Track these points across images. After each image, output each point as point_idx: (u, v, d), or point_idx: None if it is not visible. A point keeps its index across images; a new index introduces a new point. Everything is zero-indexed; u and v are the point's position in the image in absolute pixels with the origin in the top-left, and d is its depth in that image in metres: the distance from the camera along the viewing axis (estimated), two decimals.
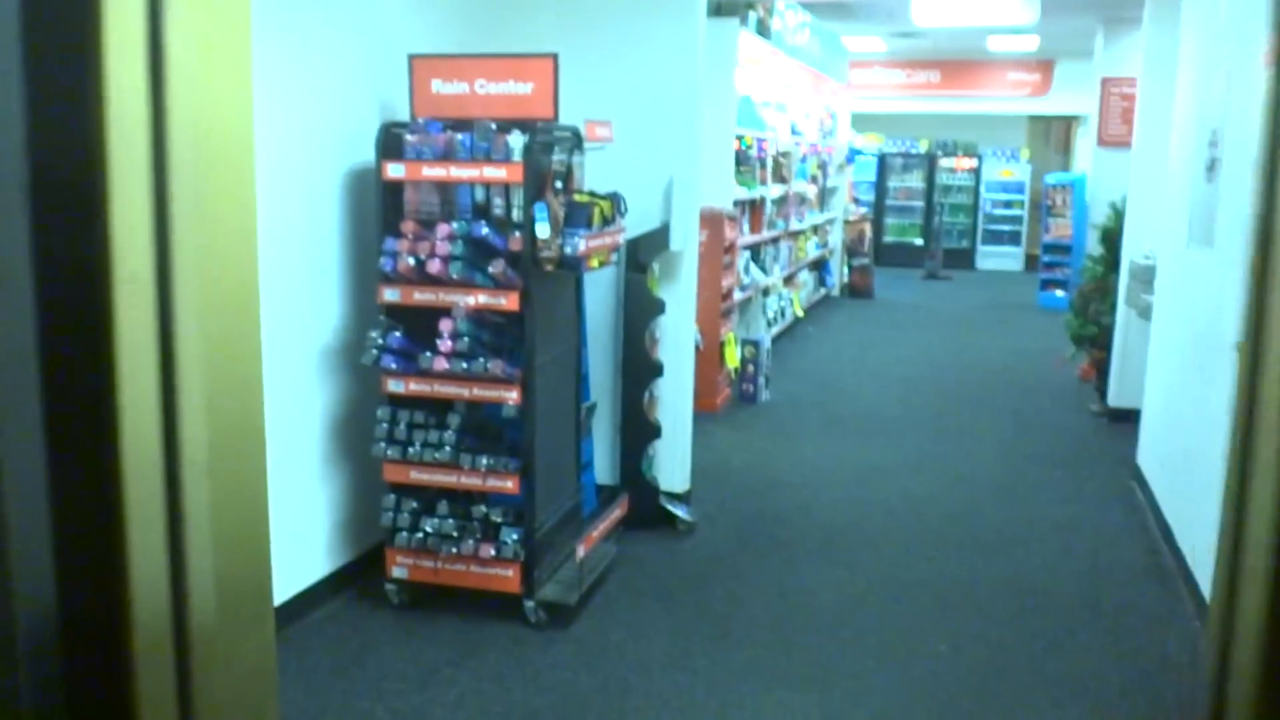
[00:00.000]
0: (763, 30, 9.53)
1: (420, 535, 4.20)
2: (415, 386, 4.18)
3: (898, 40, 14.22)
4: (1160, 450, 5.60)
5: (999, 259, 17.57)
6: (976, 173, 17.78)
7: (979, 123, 17.56)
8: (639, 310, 5.19)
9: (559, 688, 3.73)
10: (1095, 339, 7.81)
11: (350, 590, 4.48)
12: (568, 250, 4.14)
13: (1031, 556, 5.01)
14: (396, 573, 4.28)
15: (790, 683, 3.80)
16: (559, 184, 4.27)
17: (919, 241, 17.72)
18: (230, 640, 1.97)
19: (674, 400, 5.43)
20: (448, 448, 4.14)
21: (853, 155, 15.14)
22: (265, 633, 2.18)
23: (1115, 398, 7.43)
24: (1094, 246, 8.43)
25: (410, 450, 4.19)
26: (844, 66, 14.28)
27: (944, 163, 18.01)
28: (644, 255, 5.15)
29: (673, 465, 5.44)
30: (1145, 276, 6.71)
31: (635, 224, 4.89)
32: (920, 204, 18.03)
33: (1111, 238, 7.89)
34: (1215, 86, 4.83)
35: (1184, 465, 4.90)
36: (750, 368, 7.93)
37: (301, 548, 4.26)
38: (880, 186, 18.08)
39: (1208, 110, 4.99)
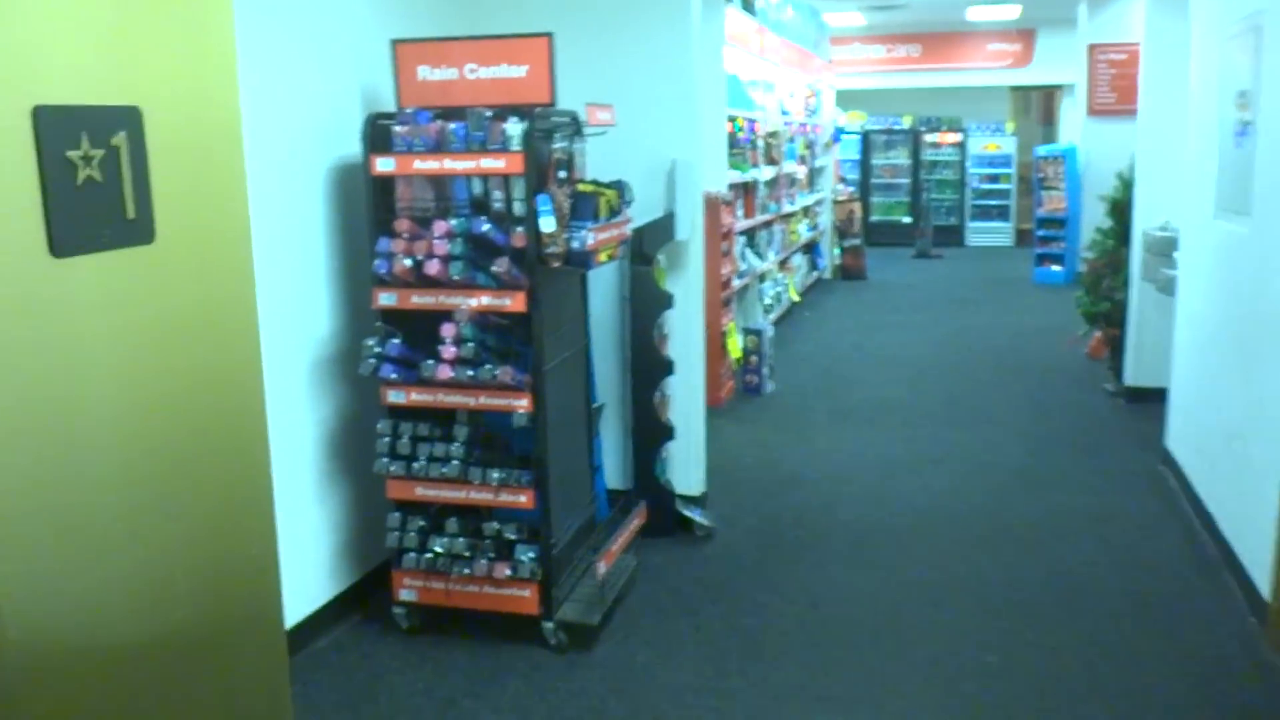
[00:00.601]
0: (747, 6, 9.24)
1: (429, 555, 3.91)
2: (417, 397, 3.89)
3: (877, 14, 13.95)
4: (1194, 433, 5.36)
5: (989, 235, 17.34)
6: (962, 147, 17.51)
7: (962, 96, 17.32)
8: (646, 305, 4.90)
9: (586, 718, 3.46)
10: (1109, 315, 7.57)
11: (356, 615, 4.19)
12: (575, 245, 3.85)
13: (1069, 551, 4.76)
14: (405, 595, 4.00)
15: (835, 705, 3.53)
16: (561, 173, 3.98)
17: (906, 220, 17.47)
18: (238, 674, 1.67)
19: (685, 398, 5.15)
20: (455, 461, 3.85)
21: (838, 134, 14.86)
22: (278, 668, 1.88)
23: (1133, 376, 7.19)
24: (1101, 219, 8.16)
25: (415, 465, 3.90)
26: (826, 43, 14.01)
27: (928, 138, 17.74)
28: (649, 246, 4.86)
29: (687, 467, 5.16)
30: (1163, 249, 6.47)
31: (636, 213, 4.60)
32: (906, 181, 17.76)
33: (1121, 209, 7.63)
34: (1242, 47, 4.57)
35: (1225, 449, 4.66)
36: (753, 358, 7.65)
37: (302, 572, 3.95)
38: (865, 165, 17.80)
39: (1232, 72, 4.73)
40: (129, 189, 1.24)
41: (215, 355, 1.44)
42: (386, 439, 3.93)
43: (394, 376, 3.87)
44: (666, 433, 4.97)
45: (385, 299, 3.89)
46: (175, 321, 1.33)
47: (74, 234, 1.20)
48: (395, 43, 4.02)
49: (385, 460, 3.93)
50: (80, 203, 1.19)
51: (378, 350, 3.86)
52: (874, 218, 17.51)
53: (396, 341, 3.88)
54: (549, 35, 3.90)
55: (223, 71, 1.35)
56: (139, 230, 1.27)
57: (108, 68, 1.19)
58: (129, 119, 1.24)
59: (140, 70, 1.25)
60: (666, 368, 4.95)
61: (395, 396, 3.91)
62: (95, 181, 1.18)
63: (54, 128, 1.16)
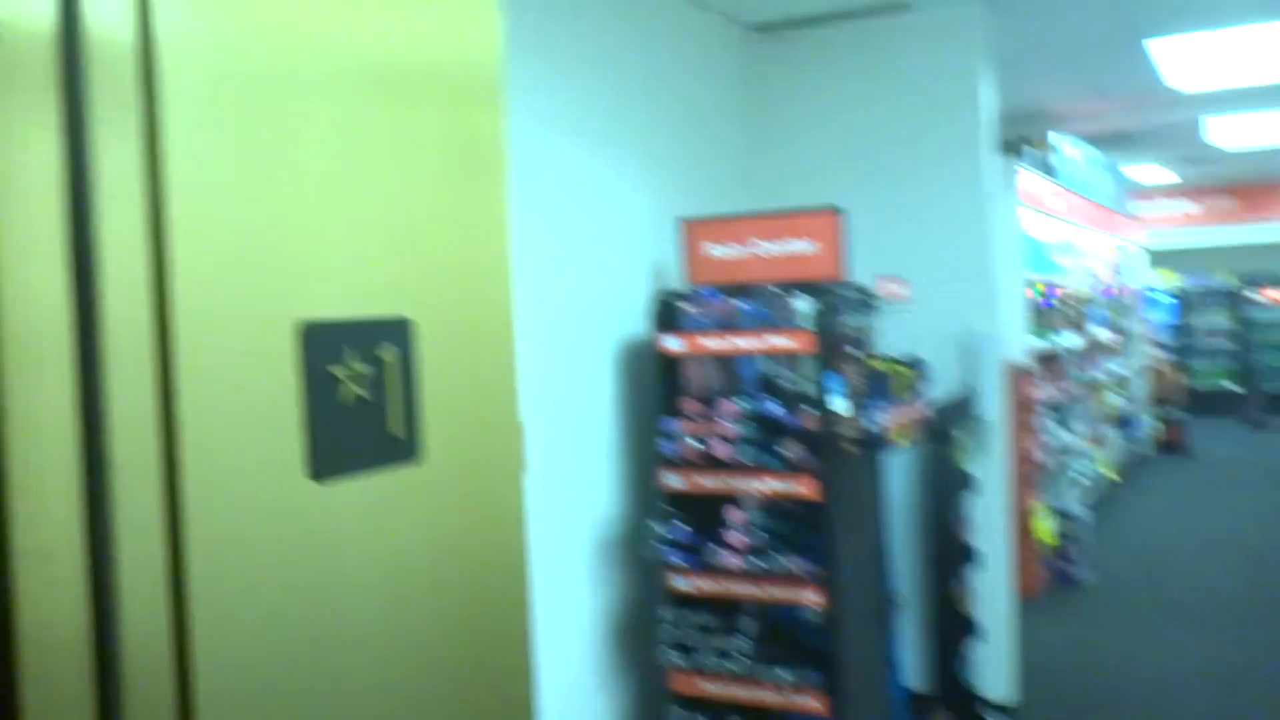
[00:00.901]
0: (1043, 167, 8.87)
1: None
2: (703, 584, 3.71)
3: (1186, 167, 13.11)
4: None
5: None
6: None
7: None
8: (944, 486, 4.55)
9: None
10: None
11: None
12: (869, 427, 3.62)
13: None
14: None
15: None
16: (853, 351, 3.78)
17: (1231, 386, 15.90)
18: None
19: (991, 590, 4.69)
20: (742, 656, 3.61)
21: (1150, 295, 13.88)
22: None
23: None
24: None
25: (700, 658, 3.69)
26: (1131, 200, 13.25)
27: (1252, 296, 16.23)
28: (946, 423, 4.53)
29: (995, 669, 4.66)
30: None
31: (932, 386, 4.32)
32: (1229, 345, 16.24)
33: None
34: None
35: None
36: (1066, 545, 6.98)
37: None
38: (1182, 328, 16.46)
39: None
40: (396, 405, 1.16)
41: (480, 581, 1.33)
42: (670, 628, 3.76)
43: (679, 562, 3.72)
44: (969, 628, 4.52)
45: (671, 480, 3.78)
46: (439, 545, 1.23)
47: (337, 456, 1.13)
48: (682, 220, 4.03)
49: (669, 651, 3.75)
50: (344, 422, 1.12)
51: (662, 534, 3.74)
52: (1194, 385, 16.03)
53: (681, 525, 3.74)
54: (838, 211, 3.78)
55: (497, 276, 1.28)
56: (405, 449, 1.18)
57: (376, 278, 1.13)
58: (398, 332, 1.17)
59: (410, 279, 1.18)
60: (968, 555, 4.54)
61: (680, 583, 3.75)
62: (361, 399, 1.10)
63: (320, 343, 1.10)
